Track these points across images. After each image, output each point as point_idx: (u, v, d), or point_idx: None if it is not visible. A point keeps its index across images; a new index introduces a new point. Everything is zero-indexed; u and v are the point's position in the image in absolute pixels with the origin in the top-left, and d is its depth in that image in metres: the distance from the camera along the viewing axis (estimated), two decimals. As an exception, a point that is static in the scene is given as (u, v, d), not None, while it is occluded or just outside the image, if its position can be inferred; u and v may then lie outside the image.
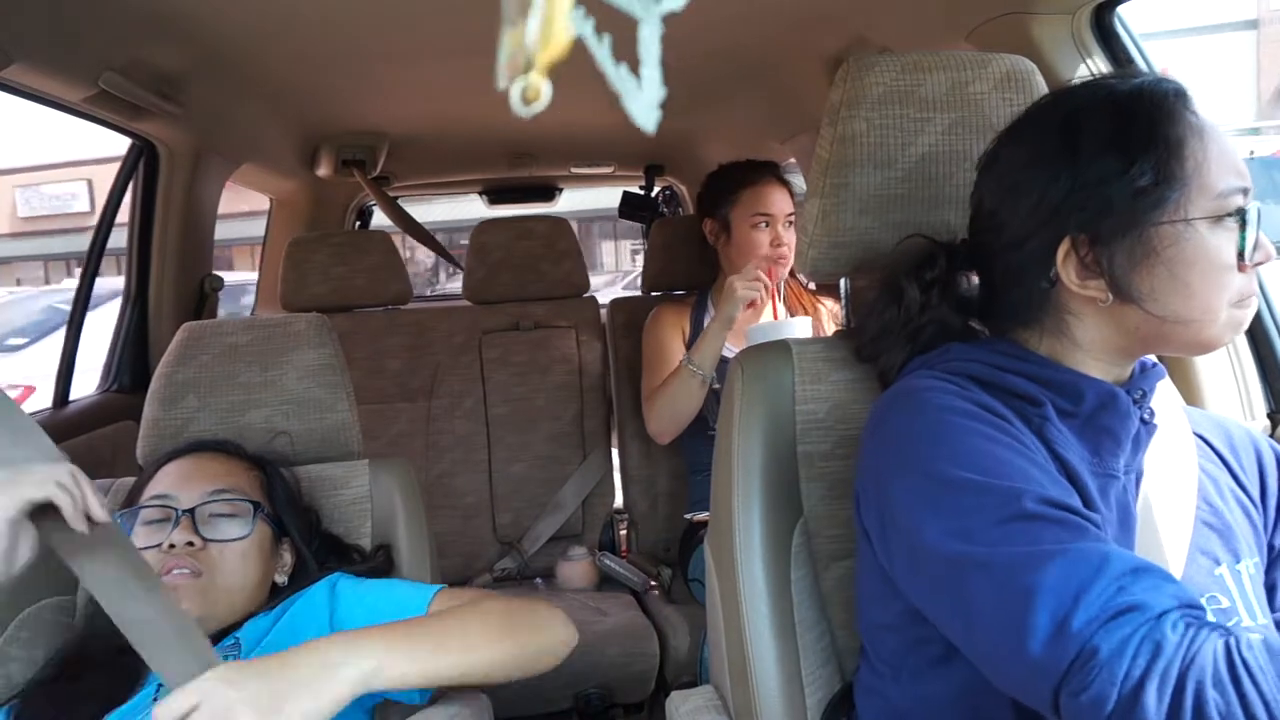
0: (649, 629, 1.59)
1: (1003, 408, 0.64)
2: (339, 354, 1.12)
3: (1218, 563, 0.67)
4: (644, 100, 0.26)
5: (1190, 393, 1.01)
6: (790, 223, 1.63)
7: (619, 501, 1.98)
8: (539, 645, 0.83)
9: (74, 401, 1.73)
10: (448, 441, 1.94)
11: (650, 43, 0.26)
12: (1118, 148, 0.64)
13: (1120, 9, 1.05)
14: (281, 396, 1.08)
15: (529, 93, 0.26)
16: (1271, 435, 1.01)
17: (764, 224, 1.61)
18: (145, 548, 0.86)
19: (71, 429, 1.56)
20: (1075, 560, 0.52)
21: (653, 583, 1.77)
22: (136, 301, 1.86)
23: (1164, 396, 0.74)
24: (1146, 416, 0.69)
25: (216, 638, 0.87)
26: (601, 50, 0.25)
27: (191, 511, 0.88)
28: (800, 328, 1.41)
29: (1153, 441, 0.70)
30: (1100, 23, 1.06)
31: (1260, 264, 0.64)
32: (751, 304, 1.55)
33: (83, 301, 1.78)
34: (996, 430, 0.62)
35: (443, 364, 1.97)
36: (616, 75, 0.26)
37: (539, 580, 1.86)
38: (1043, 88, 0.82)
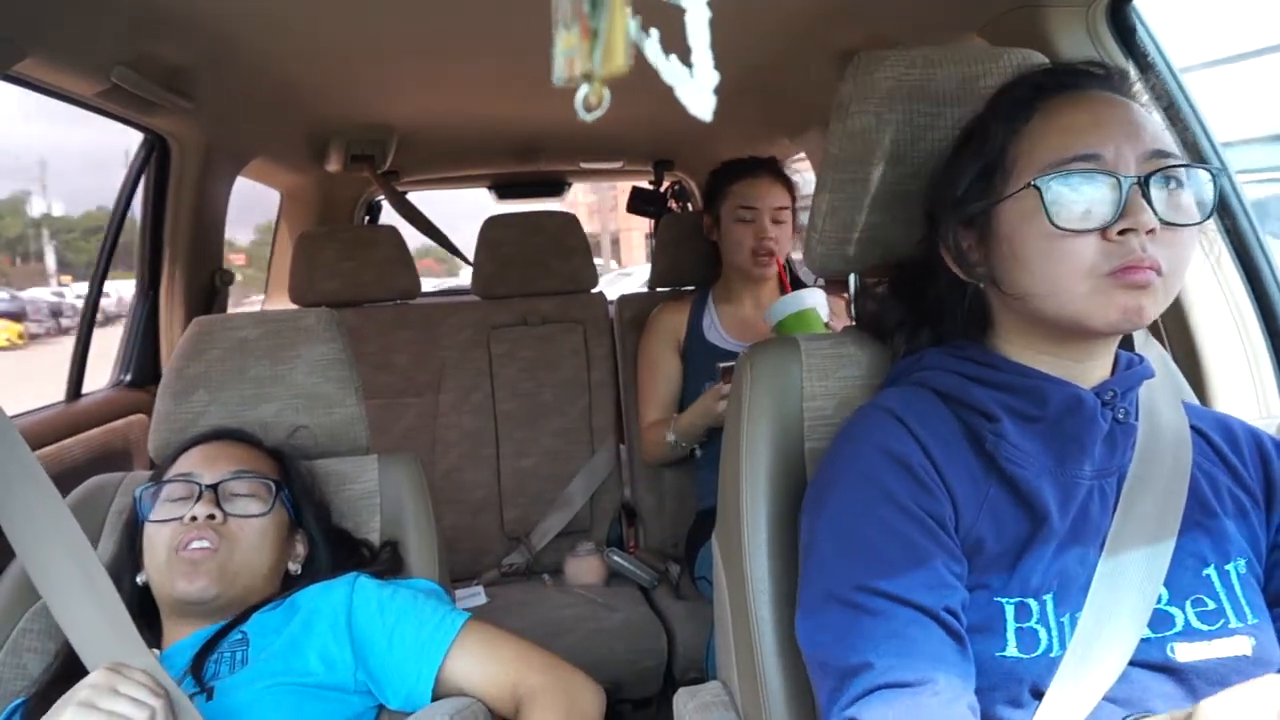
0: (657, 625, 1.59)
1: (939, 429, 0.68)
2: (347, 349, 1.12)
3: (1206, 564, 0.67)
4: (698, 87, 0.26)
5: (1202, 390, 1.00)
6: (779, 219, 1.62)
7: (627, 497, 1.99)
8: None
9: (86, 395, 1.74)
10: (455, 436, 1.94)
11: (699, 30, 0.26)
12: (964, 138, 0.72)
13: (1136, 2, 1.04)
14: (291, 391, 1.09)
15: (591, 99, 0.26)
16: (1286, 434, 1.00)
17: (748, 217, 1.62)
18: (167, 520, 0.89)
19: (85, 422, 1.58)
20: (839, 668, 0.61)
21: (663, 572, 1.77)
22: (148, 296, 1.87)
23: (1157, 394, 0.72)
24: (1120, 416, 0.68)
25: (224, 630, 0.88)
26: (652, 45, 0.26)
27: (215, 487, 0.91)
28: (818, 296, 1.41)
29: (1139, 441, 0.69)
30: (1115, 16, 1.05)
31: (1128, 230, 0.61)
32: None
33: (95, 297, 1.79)
34: (892, 498, 0.65)
35: (451, 359, 1.98)
36: (668, 69, 0.26)
37: (546, 576, 1.86)
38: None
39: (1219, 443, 0.73)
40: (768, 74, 1.66)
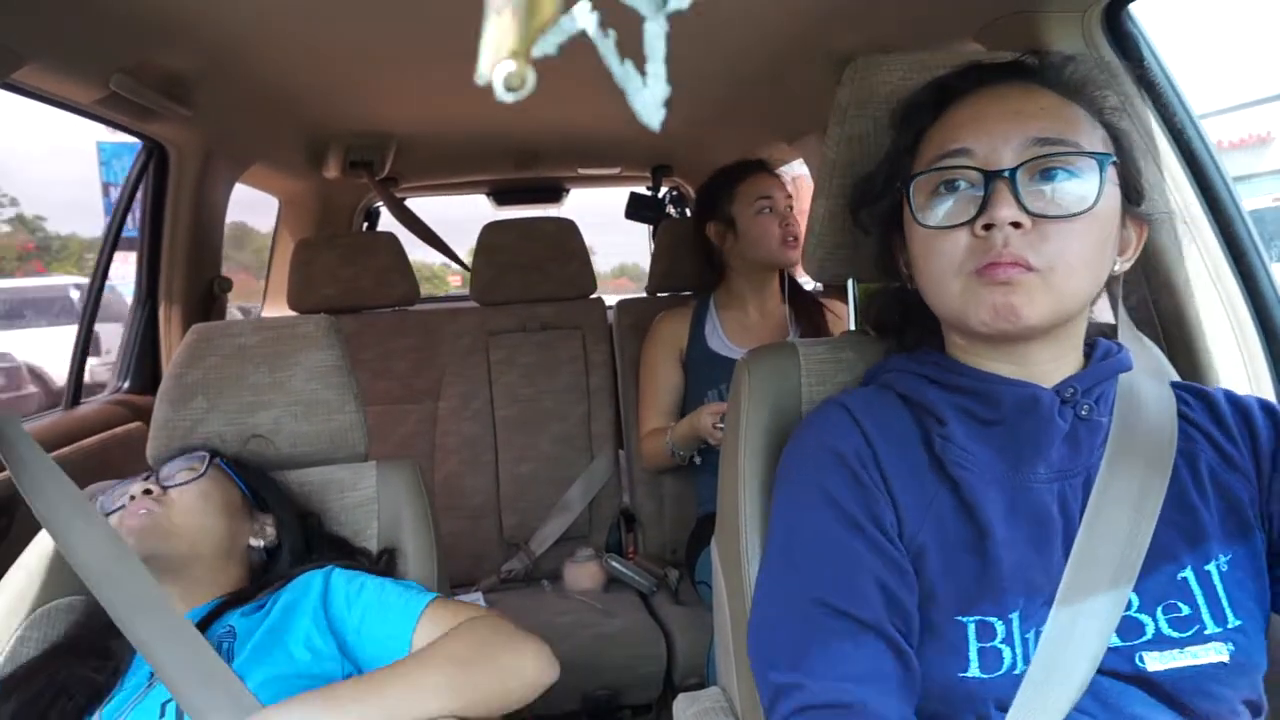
0: (656, 631, 1.58)
1: (894, 430, 0.68)
2: (346, 355, 1.12)
3: (1182, 566, 0.63)
4: (649, 97, 0.26)
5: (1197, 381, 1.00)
6: (791, 207, 1.64)
7: (626, 503, 1.98)
8: (504, 693, 0.84)
9: (85, 403, 1.74)
10: (454, 443, 1.94)
11: (656, 40, 0.25)
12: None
13: (1131, 7, 1.04)
14: (289, 398, 1.08)
15: (512, 80, 0.25)
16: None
17: (767, 208, 1.63)
18: (116, 508, 0.94)
19: (83, 430, 1.57)
20: (775, 684, 0.61)
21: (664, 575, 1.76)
22: (146, 303, 1.87)
23: (1139, 386, 0.69)
24: (1084, 413, 0.65)
25: (207, 621, 0.89)
26: (606, 45, 0.25)
27: (155, 474, 0.98)
28: None
29: (1110, 439, 0.66)
30: (1111, 21, 1.05)
31: (989, 227, 0.60)
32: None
33: (94, 303, 1.79)
34: (834, 503, 0.65)
35: (450, 365, 1.97)
36: (621, 71, 0.26)
37: (546, 582, 1.86)
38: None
39: (1204, 423, 0.69)
40: (765, 79, 1.67)
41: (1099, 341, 0.71)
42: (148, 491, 0.94)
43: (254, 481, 1.03)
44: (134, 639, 0.80)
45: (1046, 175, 0.61)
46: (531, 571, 1.88)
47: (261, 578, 0.98)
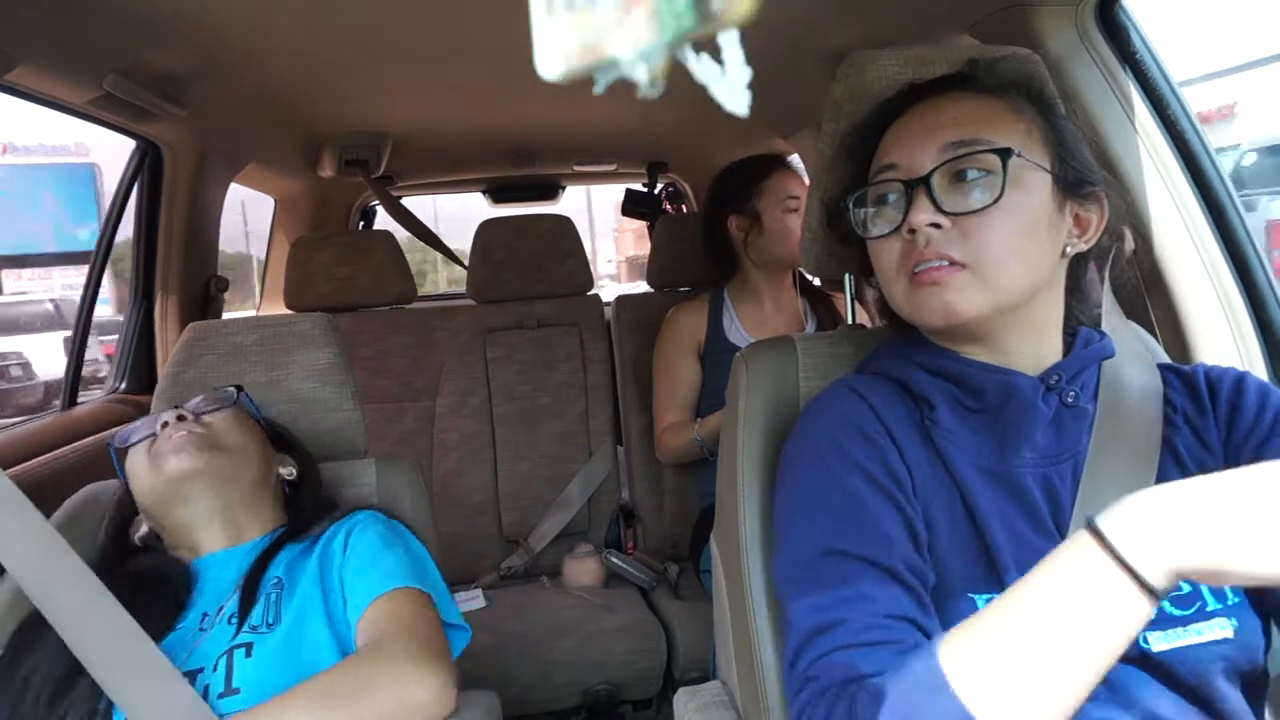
0: (656, 626, 1.59)
1: (897, 411, 0.70)
2: (344, 353, 1.12)
3: None
4: (732, 80, 0.25)
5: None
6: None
7: (625, 498, 1.99)
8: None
9: (82, 403, 1.74)
10: (453, 440, 1.94)
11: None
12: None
13: (1125, 0, 1.05)
14: (287, 396, 1.08)
15: (654, 74, 0.25)
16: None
17: (794, 206, 1.63)
18: (143, 437, 0.93)
19: (80, 431, 1.57)
20: (806, 629, 0.61)
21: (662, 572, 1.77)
22: (142, 303, 1.86)
23: (1124, 371, 0.70)
24: (1069, 400, 0.68)
25: (263, 562, 0.90)
26: (682, 48, 0.25)
27: (182, 410, 0.95)
28: None
29: (1096, 423, 0.67)
30: (1105, 15, 1.06)
31: (913, 231, 0.66)
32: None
33: (89, 304, 1.78)
34: (857, 465, 0.66)
35: (447, 363, 1.98)
36: (699, 66, 0.25)
37: (545, 578, 1.86)
38: (1046, 81, 0.82)
39: (1182, 401, 0.70)
40: (760, 74, 1.66)
41: (1081, 329, 0.72)
42: (181, 418, 0.93)
43: (274, 427, 1.04)
44: (83, 655, 0.70)
45: (959, 176, 0.66)
46: (531, 568, 1.88)
47: (298, 515, 0.98)
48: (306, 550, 0.93)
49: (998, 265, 0.64)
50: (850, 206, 0.72)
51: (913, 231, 0.65)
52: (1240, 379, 0.70)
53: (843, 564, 0.61)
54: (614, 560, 1.77)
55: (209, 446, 0.91)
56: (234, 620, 0.86)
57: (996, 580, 0.63)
